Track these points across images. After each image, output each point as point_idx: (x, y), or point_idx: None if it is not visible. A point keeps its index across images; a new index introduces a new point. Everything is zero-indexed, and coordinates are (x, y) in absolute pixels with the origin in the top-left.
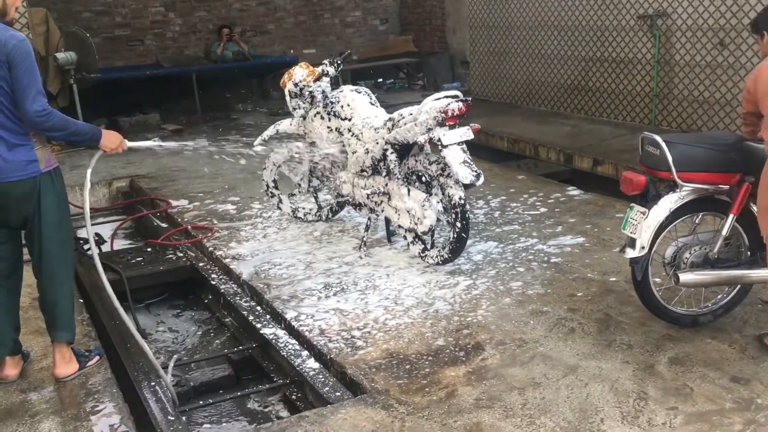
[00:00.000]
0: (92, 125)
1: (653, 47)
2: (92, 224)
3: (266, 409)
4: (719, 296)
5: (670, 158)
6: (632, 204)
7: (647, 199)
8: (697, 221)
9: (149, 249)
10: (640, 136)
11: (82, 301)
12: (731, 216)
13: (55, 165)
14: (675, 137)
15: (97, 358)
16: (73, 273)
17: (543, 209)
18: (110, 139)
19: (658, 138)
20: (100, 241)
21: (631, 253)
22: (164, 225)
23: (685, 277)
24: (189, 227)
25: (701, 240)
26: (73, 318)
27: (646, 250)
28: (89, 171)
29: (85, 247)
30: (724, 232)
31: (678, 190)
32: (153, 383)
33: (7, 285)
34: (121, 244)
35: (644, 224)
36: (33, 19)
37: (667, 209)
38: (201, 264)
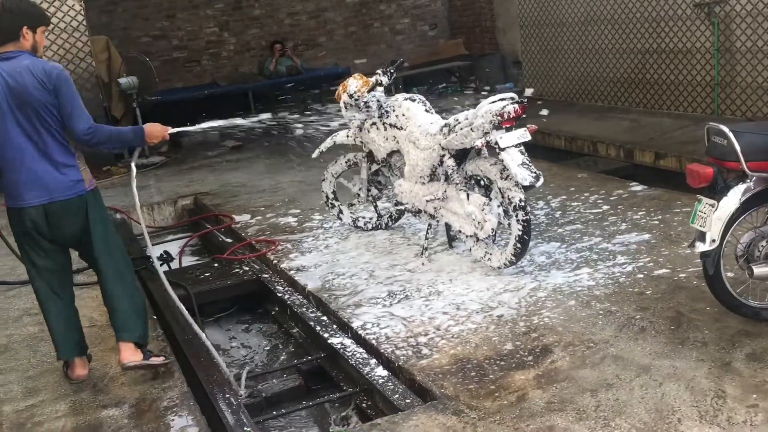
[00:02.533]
0: (133, 126)
1: (712, 35)
2: (161, 242)
3: (338, 418)
4: None
5: (738, 148)
6: (700, 197)
7: (716, 190)
8: (767, 212)
9: (216, 264)
10: (705, 127)
11: (155, 317)
12: None
13: (95, 185)
14: (742, 126)
15: (162, 358)
16: (132, 279)
17: (605, 207)
18: (153, 131)
19: (724, 128)
20: (168, 258)
21: (701, 247)
22: (229, 240)
23: (760, 269)
24: (253, 241)
25: None
26: (138, 321)
27: (717, 243)
28: (133, 164)
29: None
30: None
31: (747, 180)
32: (228, 395)
33: (63, 295)
34: (188, 260)
35: (714, 216)
36: (95, 47)
37: (737, 200)
38: (266, 277)
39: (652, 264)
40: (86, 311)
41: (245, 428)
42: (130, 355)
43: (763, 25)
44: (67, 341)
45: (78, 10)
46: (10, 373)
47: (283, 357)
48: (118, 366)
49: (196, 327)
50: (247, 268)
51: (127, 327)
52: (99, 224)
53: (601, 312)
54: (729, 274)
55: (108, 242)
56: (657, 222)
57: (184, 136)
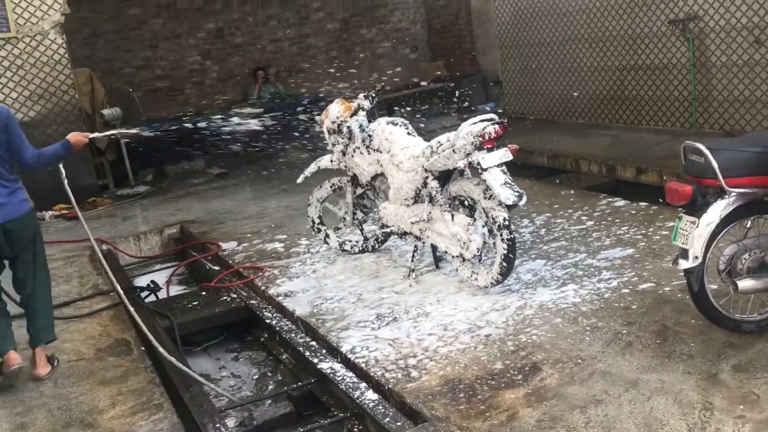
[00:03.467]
0: (59, 142)
1: (687, 51)
2: (148, 272)
3: None
4: None
5: (715, 165)
6: (681, 214)
7: (696, 207)
8: (747, 225)
9: (204, 293)
10: (681, 145)
11: (144, 348)
12: None
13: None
14: (718, 143)
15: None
16: (50, 287)
17: (589, 223)
18: (76, 139)
19: (700, 146)
20: (156, 287)
21: (684, 264)
22: (216, 268)
23: (744, 283)
24: (240, 268)
25: (752, 245)
26: (52, 327)
27: (699, 260)
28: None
29: (143, 294)
30: None
31: (726, 196)
32: (219, 425)
33: (2, 301)
34: (176, 289)
35: (695, 234)
36: (78, 79)
37: (717, 216)
38: (254, 303)
39: (636, 278)
40: (73, 345)
41: None
42: (44, 366)
43: (737, 39)
44: (6, 337)
45: (60, 44)
46: (0, 409)
47: (273, 384)
48: (40, 377)
49: (163, 352)
50: (234, 296)
51: (48, 327)
52: (40, 237)
53: (588, 328)
54: (712, 287)
55: (43, 254)
56: (640, 236)
57: (171, 165)
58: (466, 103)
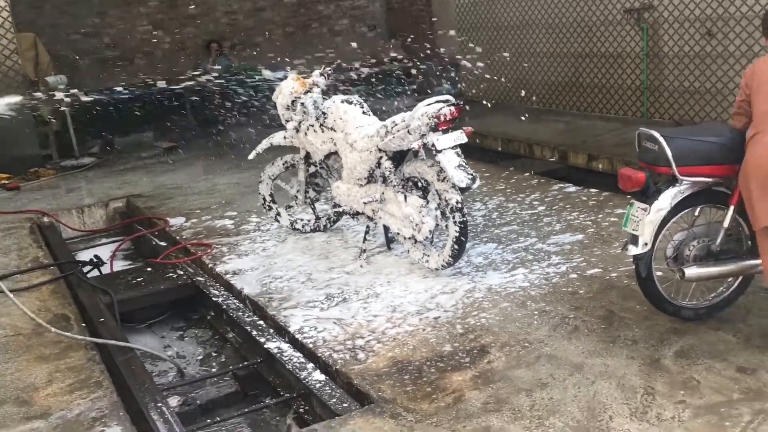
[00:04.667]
0: None
1: (641, 40)
2: (91, 246)
3: (275, 424)
4: (721, 288)
5: (669, 153)
6: (632, 200)
7: (647, 195)
8: (696, 214)
9: (149, 269)
10: (636, 132)
11: (84, 324)
12: (731, 207)
13: None
14: (672, 132)
15: None
16: None
17: (540, 208)
18: None
19: (655, 133)
20: (99, 262)
21: (634, 251)
22: (163, 244)
23: (691, 271)
24: (188, 245)
25: (701, 233)
26: None
27: (649, 247)
28: None
29: (85, 269)
30: (726, 223)
31: (678, 184)
32: (160, 404)
33: None
34: (120, 265)
35: (646, 220)
36: (22, 44)
37: (668, 204)
38: (201, 281)
39: (585, 264)
40: (10, 319)
41: None
42: None
43: (690, 30)
44: None
45: (3, 6)
46: None
47: (218, 363)
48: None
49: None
50: (181, 272)
51: None
52: None
53: (536, 312)
54: (657, 273)
55: None
56: (590, 222)
57: (119, 137)
58: (423, 85)
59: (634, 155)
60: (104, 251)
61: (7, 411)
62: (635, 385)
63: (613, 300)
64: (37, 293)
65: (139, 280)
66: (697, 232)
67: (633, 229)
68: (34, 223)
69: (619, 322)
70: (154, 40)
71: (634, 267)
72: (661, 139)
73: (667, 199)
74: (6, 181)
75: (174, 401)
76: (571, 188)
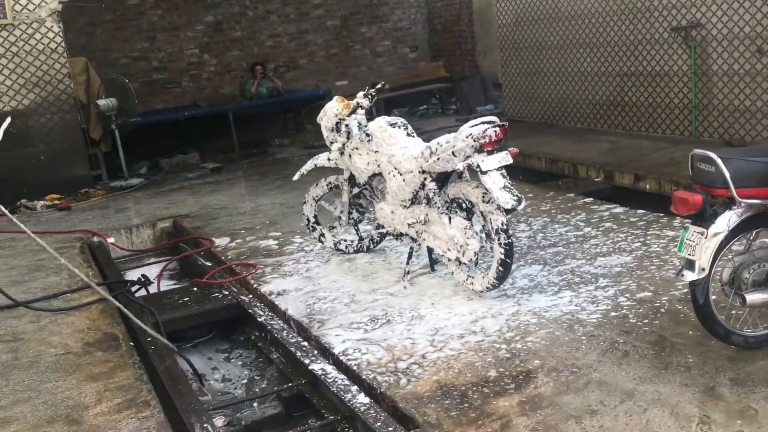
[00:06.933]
0: None
1: (689, 58)
2: (139, 266)
3: None
4: None
5: (727, 175)
6: (687, 224)
7: (703, 218)
8: (752, 238)
9: (195, 288)
10: (690, 153)
11: (132, 344)
12: None
13: None
14: (729, 152)
15: None
16: None
17: (587, 229)
18: None
19: (712, 155)
20: (146, 282)
21: (690, 276)
22: (208, 263)
23: (753, 297)
24: (233, 265)
25: (759, 257)
26: None
27: (706, 272)
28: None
29: (133, 289)
30: None
31: (735, 207)
32: (206, 424)
33: None
34: (167, 284)
35: (703, 245)
36: (73, 68)
37: (726, 227)
38: (246, 301)
39: (634, 287)
40: (61, 338)
41: None
42: None
43: (739, 48)
44: None
45: (56, 32)
46: None
47: (263, 384)
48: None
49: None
50: (226, 292)
51: None
52: None
53: (583, 336)
54: (712, 298)
55: None
56: (639, 244)
57: (165, 158)
58: (465, 105)
59: (683, 175)
60: (151, 271)
61: (59, 430)
62: (690, 414)
63: (665, 324)
64: (87, 312)
65: (185, 299)
66: (757, 256)
67: (689, 254)
68: (84, 242)
69: (672, 348)
70: (201, 63)
71: (686, 291)
72: (719, 161)
73: (725, 222)
74: (57, 202)
75: (219, 421)
76: (618, 209)
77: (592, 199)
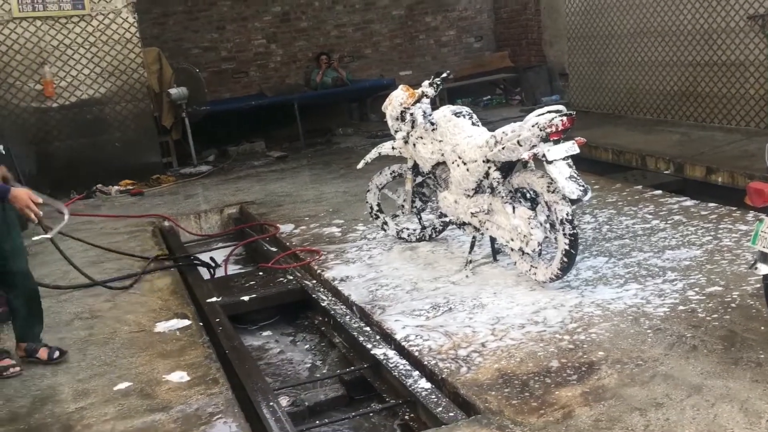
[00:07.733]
0: (3, 184)
1: (766, 48)
2: (206, 250)
3: (381, 430)
4: None
5: None
6: (762, 216)
7: None
8: None
9: (261, 273)
10: (766, 145)
11: (201, 324)
12: None
13: None
14: None
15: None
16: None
17: (654, 221)
18: (19, 195)
19: None
20: (215, 265)
21: (765, 269)
22: (273, 249)
23: None
24: (297, 250)
25: None
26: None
27: None
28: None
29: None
30: None
31: None
32: (272, 403)
33: None
34: (233, 269)
35: None
36: (147, 58)
37: None
38: (310, 286)
39: (703, 281)
40: (135, 317)
41: None
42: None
43: None
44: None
45: (132, 23)
46: (61, 375)
47: (326, 367)
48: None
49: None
50: (291, 278)
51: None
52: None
53: (649, 329)
54: None
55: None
56: (709, 238)
57: (232, 146)
58: (530, 95)
59: (758, 168)
60: (219, 255)
61: (132, 403)
62: (760, 410)
63: (735, 320)
64: (159, 293)
65: (251, 283)
66: None
67: (764, 247)
68: (156, 226)
69: (742, 343)
70: (268, 53)
71: (759, 286)
72: None
73: None
74: (131, 187)
75: (284, 401)
76: (688, 202)
77: (660, 191)
